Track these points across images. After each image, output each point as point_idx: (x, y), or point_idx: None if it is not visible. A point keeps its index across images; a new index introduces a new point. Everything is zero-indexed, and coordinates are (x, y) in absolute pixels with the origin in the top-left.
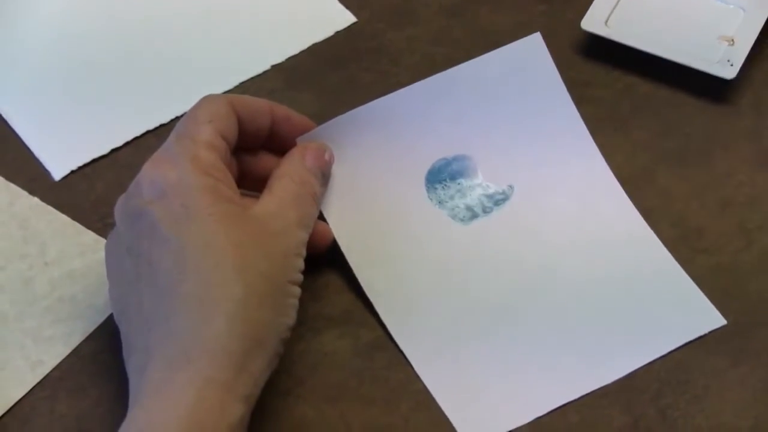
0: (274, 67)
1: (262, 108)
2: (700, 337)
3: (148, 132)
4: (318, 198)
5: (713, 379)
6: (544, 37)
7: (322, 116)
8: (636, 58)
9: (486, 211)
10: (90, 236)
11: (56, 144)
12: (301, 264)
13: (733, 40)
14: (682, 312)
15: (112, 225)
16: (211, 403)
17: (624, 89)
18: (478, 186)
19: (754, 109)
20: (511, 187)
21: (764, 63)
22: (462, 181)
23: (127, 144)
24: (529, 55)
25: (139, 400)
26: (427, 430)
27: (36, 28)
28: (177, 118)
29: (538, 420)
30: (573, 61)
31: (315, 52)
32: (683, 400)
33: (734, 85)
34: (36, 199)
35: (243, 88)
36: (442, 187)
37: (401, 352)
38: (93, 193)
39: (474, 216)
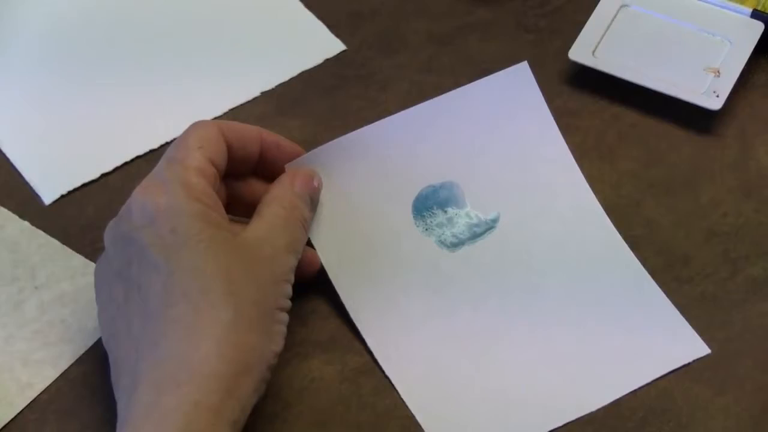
0: (263, 93)
1: (251, 134)
2: (685, 366)
3: (138, 157)
4: (307, 223)
5: (697, 408)
6: (532, 67)
7: (311, 143)
8: (623, 88)
9: (473, 238)
10: (80, 260)
11: (46, 168)
12: (289, 290)
13: (719, 71)
14: (667, 340)
15: (102, 249)
16: (199, 427)
17: (610, 119)
18: (465, 214)
19: (740, 139)
20: (497, 215)
21: (750, 94)
22: (449, 209)
23: (117, 169)
24: (517, 84)
25: (127, 423)
26: None
27: (25, 52)
28: (167, 144)
29: None
30: (560, 91)
31: (305, 78)
32: (668, 428)
33: (720, 116)
34: (26, 223)
35: (233, 114)
36: (429, 215)
37: (387, 378)
38: (83, 218)
39: (460, 243)
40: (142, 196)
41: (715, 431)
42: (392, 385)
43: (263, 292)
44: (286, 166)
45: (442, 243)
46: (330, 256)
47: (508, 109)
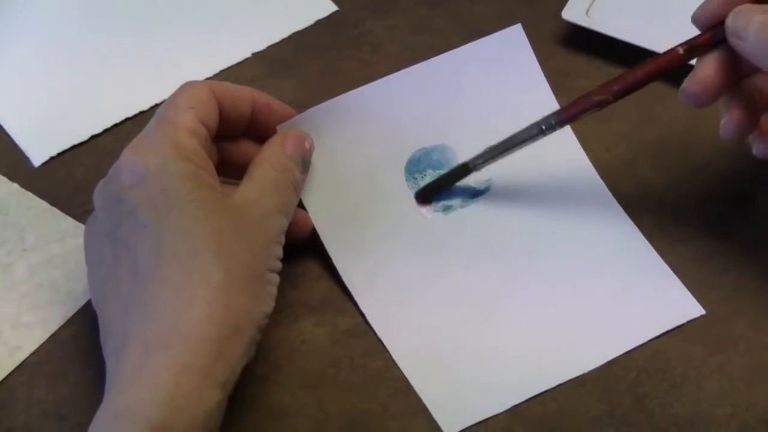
0: (255, 54)
1: (243, 95)
2: (679, 326)
3: (127, 119)
4: (298, 185)
5: (691, 368)
6: (525, 27)
7: (302, 104)
8: (616, 49)
9: (465, 201)
10: (69, 222)
11: (36, 130)
12: (280, 252)
13: None
14: (661, 302)
15: (92, 211)
16: (189, 389)
17: (604, 79)
18: None
19: None
20: (489, 178)
21: None
22: (441, 171)
23: (106, 131)
24: (510, 46)
25: (116, 384)
26: (405, 417)
27: (14, 17)
28: (157, 105)
29: (516, 408)
30: (553, 51)
31: (296, 40)
32: (661, 388)
33: None
34: (15, 185)
35: (224, 75)
36: (422, 177)
37: (379, 339)
38: (72, 180)
39: (453, 207)
40: (132, 156)
41: (709, 391)
42: (384, 346)
43: (254, 253)
44: (278, 127)
45: (434, 206)
46: (321, 218)
47: (502, 71)
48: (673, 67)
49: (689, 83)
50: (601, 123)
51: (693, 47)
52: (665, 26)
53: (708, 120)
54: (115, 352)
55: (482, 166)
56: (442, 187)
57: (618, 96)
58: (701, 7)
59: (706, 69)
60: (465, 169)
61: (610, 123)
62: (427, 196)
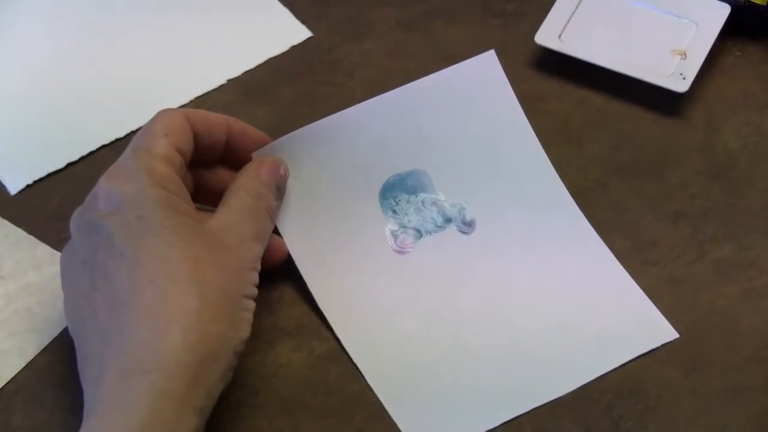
0: (230, 81)
1: (218, 122)
2: (653, 349)
3: (103, 146)
4: (273, 212)
5: (665, 390)
6: (498, 51)
7: (278, 130)
8: (589, 72)
9: (439, 226)
10: (45, 250)
11: (12, 158)
12: (255, 278)
13: (685, 53)
14: (635, 325)
15: (68, 239)
16: (166, 415)
17: (577, 103)
18: (431, 203)
19: (707, 122)
20: (465, 203)
21: (716, 77)
22: (416, 197)
23: (83, 158)
24: (484, 72)
25: (93, 410)
26: None
27: None
28: (133, 133)
29: (491, 431)
30: (526, 75)
31: (271, 66)
32: (636, 410)
33: (687, 99)
34: None
35: (199, 102)
36: (396, 203)
37: (354, 364)
38: (49, 207)
39: (427, 232)
40: (108, 184)
41: (683, 412)
42: (359, 371)
43: (230, 279)
44: (253, 154)
45: (408, 231)
46: (297, 244)
47: (476, 97)
48: None
49: None
50: (574, 146)
51: None
52: (637, 50)
53: (681, 140)
54: (92, 379)
55: None
56: None
57: None
58: None
59: None
60: None
61: (583, 145)
62: None
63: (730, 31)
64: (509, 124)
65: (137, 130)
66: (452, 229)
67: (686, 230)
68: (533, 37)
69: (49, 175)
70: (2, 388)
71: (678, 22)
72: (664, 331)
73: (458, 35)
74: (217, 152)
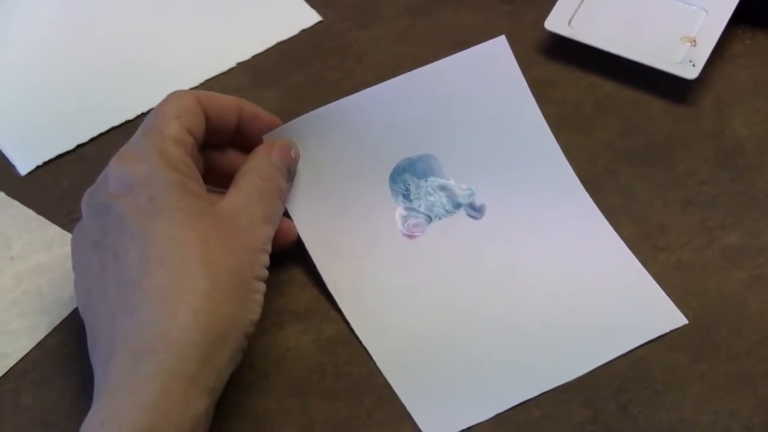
0: (239, 64)
1: (229, 105)
2: (662, 335)
3: (113, 128)
4: (284, 194)
5: (673, 376)
6: (508, 37)
7: (287, 114)
8: (599, 59)
9: (448, 211)
10: (56, 230)
11: (22, 139)
12: (266, 260)
13: (695, 40)
14: (644, 311)
15: (78, 219)
16: (176, 395)
17: (586, 89)
18: (441, 188)
19: (716, 109)
20: (474, 188)
21: (726, 64)
22: (425, 181)
23: (92, 140)
24: (494, 58)
25: (103, 391)
26: (390, 424)
27: (1, 25)
28: (143, 115)
29: (500, 415)
30: (536, 61)
31: (280, 50)
32: (644, 395)
33: (696, 86)
34: (2, 194)
35: (208, 85)
36: (406, 187)
37: (363, 347)
38: (58, 188)
39: (436, 216)
40: (119, 165)
41: (691, 398)
42: (368, 354)
43: (240, 261)
44: (264, 137)
45: (418, 215)
46: (307, 227)
47: (486, 82)
48: None
49: None
50: (583, 132)
51: None
52: (646, 37)
53: (689, 127)
54: (102, 360)
55: None
56: None
57: None
58: None
59: None
60: None
61: (592, 132)
62: None
63: (739, 19)
64: (519, 109)
65: (147, 112)
66: (461, 213)
67: (695, 217)
68: (542, 24)
69: (59, 156)
70: (12, 368)
71: (688, 9)
72: (672, 317)
73: (468, 21)
74: (228, 134)
